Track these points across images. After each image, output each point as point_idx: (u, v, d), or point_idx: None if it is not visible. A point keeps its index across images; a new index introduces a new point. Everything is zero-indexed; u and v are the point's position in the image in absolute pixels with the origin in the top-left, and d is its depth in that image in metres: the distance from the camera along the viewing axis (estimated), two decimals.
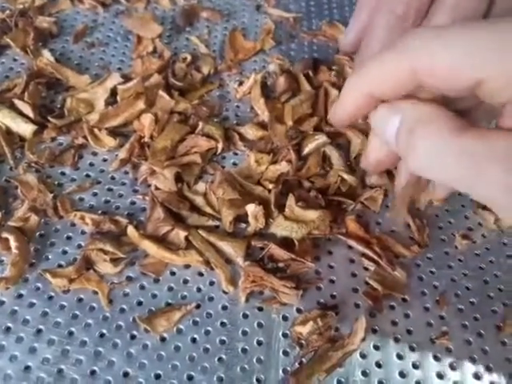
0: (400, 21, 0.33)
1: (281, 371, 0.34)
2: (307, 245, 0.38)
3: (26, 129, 0.43)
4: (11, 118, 0.43)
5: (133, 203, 0.41)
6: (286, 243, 0.38)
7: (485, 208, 0.43)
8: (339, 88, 0.47)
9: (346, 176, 0.41)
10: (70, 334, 0.34)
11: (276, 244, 0.37)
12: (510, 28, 0.20)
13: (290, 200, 0.39)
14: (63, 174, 0.42)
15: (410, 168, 0.23)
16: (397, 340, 0.36)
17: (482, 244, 0.41)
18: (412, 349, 0.35)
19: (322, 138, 0.44)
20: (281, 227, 0.39)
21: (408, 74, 0.22)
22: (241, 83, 0.49)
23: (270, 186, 0.41)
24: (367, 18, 0.36)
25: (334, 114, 0.28)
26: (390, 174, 0.42)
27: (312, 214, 0.39)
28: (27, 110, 0.43)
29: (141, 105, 0.44)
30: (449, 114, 0.22)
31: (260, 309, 0.36)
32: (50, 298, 0.36)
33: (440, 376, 0.34)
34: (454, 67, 0.21)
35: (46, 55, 0.49)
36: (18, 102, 0.44)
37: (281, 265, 0.38)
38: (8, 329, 0.34)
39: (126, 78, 0.47)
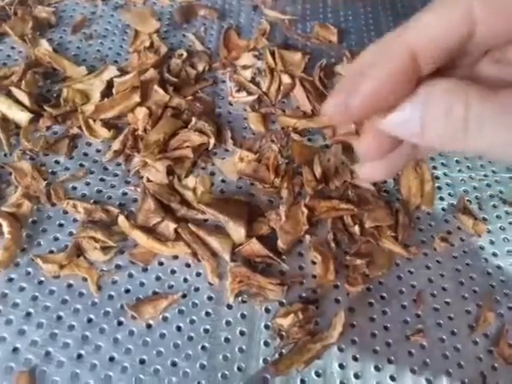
0: None
1: (261, 361, 0.35)
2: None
3: (21, 117, 0.44)
4: (7, 106, 0.44)
5: (124, 194, 0.42)
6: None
7: (464, 213, 0.44)
8: None
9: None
10: (59, 318, 0.35)
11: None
12: None
13: None
14: (57, 162, 0.43)
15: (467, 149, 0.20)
16: (373, 335, 0.37)
17: (459, 247, 0.43)
18: (388, 344, 0.37)
19: None
20: None
21: (464, 17, 0.19)
22: (239, 90, 0.50)
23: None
24: None
25: (349, 98, 0.20)
26: None
27: None
28: (24, 98, 0.44)
29: (136, 98, 0.45)
30: (469, 82, 0.19)
31: (244, 300, 0.37)
32: (41, 282, 0.36)
33: (413, 371, 0.36)
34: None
35: (44, 45, 0.50)
36: (14, 90, 0.44)
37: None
38: None
39: (122, 72, 0.48)
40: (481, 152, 0.20)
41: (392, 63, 0.19)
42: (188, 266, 0.39)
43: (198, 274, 0.38)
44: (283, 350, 0.35)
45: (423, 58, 0.19)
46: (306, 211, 0.41)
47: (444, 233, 0.43)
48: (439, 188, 0.46)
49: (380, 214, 0.42)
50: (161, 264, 0.39)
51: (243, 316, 0.37)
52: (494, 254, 0.43)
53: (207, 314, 0.37)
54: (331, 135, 0.47)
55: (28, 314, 0.35)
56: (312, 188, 0.43)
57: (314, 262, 0.40)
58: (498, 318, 0.39)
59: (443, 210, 0.45)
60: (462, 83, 0.19)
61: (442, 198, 0.45)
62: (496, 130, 0.19)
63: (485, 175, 0.48)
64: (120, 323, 0.35)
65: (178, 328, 0.36)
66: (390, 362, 0.36)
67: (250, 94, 0.50)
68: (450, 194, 0.46)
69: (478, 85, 0.19)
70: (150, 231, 0.39)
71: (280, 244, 0.40)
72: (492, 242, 0.43)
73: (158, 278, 0.38)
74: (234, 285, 0.37)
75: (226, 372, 0.34)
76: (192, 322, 0.36)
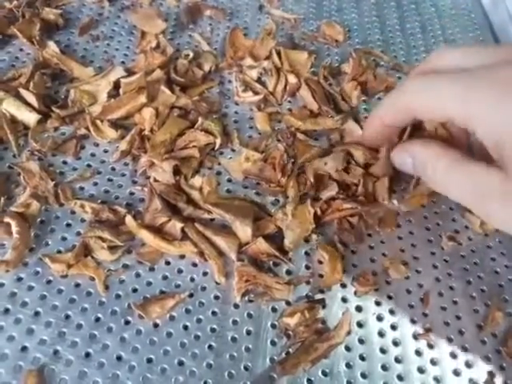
0: None
1: (268, 360, 0.35)
2: None
3: (30, 118, 0.44)
4: (16, 107, 0.44)
5: (132, 194, 0.42)
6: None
7: (471, 212, 0.44)
8: None
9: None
10: (67, 317, 0.35)
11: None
12: (473, 78, 0.28)
13: None
14: (65, 162, 0.43)
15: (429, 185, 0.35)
16: (381, 335, 0.37)
17: (467, 246, 0.43)
18: (395, 344, 0.37)
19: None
20: None
21: (405, 109, 0.32)
22: (245, 89, 0.50)
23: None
24: None
25: (363, 135, 0.42)
26: None
27: None
28: (32, 99, 0.44)
29: (142, 99, 0.46)
30: (448, 149, 0.30)
31: (251, 300, 0.37)
32: (49, 282, 0.37)
33: (421, 371, 0.36)
34: (428, 107, 0.30)
35: (52, 46, 0.50)
36: (23, 92, 0.45)
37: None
38: (7, 310, 0.35)
39: (129, 72, 0.49)
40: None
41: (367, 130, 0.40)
42: (195, 265, 0.39)
43: (205, 274, 0.38)
44: (290, 350, 0.35)
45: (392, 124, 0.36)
46: (312, 210, 0.41)
47: (451, 232, 0.43)
48: None
49: (387, 216, 0.42)
50: (168, 263, 0.39)
51: (250, 315, 0.37)
52: (503, 254, 0.42)
53: (214, 313, 0.37)
54: (338, 140, 0.47)
55: (36, 313, 0.35)
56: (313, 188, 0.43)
57: (320, 262, 0.40)
58: (506, 317, 0.39)
59: (451, 209, 0.45)
60: (435, 149, 0.31)
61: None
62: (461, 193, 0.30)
63: None
64: (127, 322, 0.36)
65: (185, 327, 0.36)
66: (397, 361, 0.36)
67: (256, 93, 0.50)
68: None
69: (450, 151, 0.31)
70: (157, 231, 0.39)
71: (287, 243, 0.40)
72: (500, 242, 0.43)
73: (165, 278, 0.38)
74: (241, 284, 0.37)
75: (233, 371, 0.34)
76: (199, 321, 0.36)
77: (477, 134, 0.28)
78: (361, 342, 0.37)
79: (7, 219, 0.38)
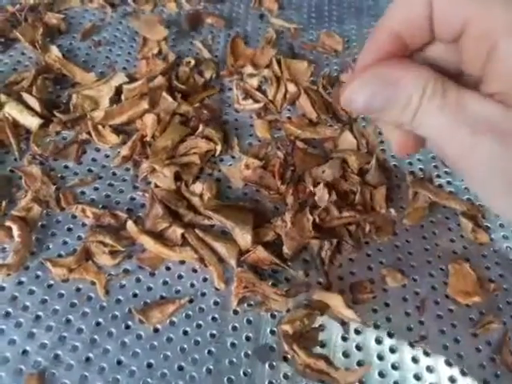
0: None
1: (267, 366, 0.35)
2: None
3: (32, 122, 0.44)
4: (18, 111, 0.44)
5: (133, 199, 0.43)
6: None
7: (466, 218, 0.45)
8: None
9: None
10: (68, 321, 0.36)
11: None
12: None
13: None
14: (66, 167, 0.44)
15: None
16: (378, 342, 0.38)
17: (462, 255, 0.43)
18: (392, 351, 0.37)
19: None
20: None
21: (425, 9, 0.23)
22: (245, 97, 0.51)
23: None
24: None
25: (361, 58, 0.26)
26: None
27: None
28: (34, 103, 0.45)
29: (144, 105, 0.46)
30: (439, 74, 0.22)
31: (249, 304, 0.38)
32: (50, 286, 0.37)
33: (417, 377, 0.36)
34: (448, 6, 0.22)
35: (54, 51, 0.51)
36: (25, 96, 0.45)
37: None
38: (8, 314, 0.35)
39: (131, 78, 0.49)
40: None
41: (373, 42, 0.25)
42: (195, 271, 0.39)
43: (205, 280, 0.39)
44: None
45: (405, 34, 0.24)
46: (311, 218, 0.41)
47: (447, 241, 0.44)
48: None
49: (384, 225, 0.43)
50: (168, 269, 0.39)
51: (249, 321, 0.37)
52: (497, 263, 0.43)
53: (213, 318, 0.37)
54: (332, 147, 0.48)
55: (37, 317, 0.35)
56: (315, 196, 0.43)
57: (318, 269, 0.40)
58: (500, 325, 0.39)
59: (447, 218, 0.45)
60: (426, 73, 0.22)
61: (445, 207, 0.46)
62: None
63: None
64: (128, 327, 0.36)
65: (185, 332, 0.36)
66: (394, 368, 0.36)
67: (256, 101, 0.51)
68: None
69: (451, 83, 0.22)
70: (158, 236, 0.40)
71: (286, 250, 0.40)
72: (495, 251, 0.44)
73: (165, 283, 0.38)
74: (239, 289, 0.38)
75: (232, 376, 0.35)
76: (198, 326, 0.37)
77: (499, 50, 0.21)
78: (358, 348, 0.37)
79: (9, 223, 0.38)
